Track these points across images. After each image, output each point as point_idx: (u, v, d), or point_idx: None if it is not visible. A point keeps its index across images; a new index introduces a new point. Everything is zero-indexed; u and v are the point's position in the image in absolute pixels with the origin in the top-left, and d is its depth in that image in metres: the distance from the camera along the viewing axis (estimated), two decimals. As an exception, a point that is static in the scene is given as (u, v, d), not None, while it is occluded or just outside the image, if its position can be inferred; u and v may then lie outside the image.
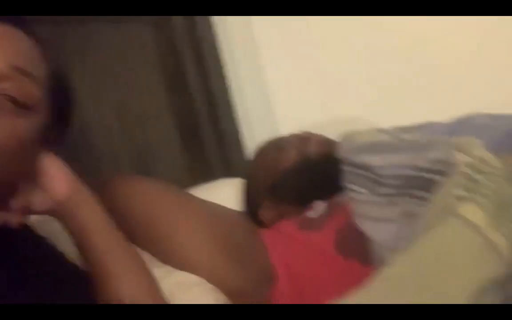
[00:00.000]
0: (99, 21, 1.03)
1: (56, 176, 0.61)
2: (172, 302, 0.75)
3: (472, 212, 0.47)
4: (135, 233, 0.82)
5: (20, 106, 0.54)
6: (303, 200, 0.87)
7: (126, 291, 0.64)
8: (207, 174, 1.19)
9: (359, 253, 0.71)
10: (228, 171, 1.22)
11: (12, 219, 0.57)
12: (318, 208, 0.84)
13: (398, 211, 0.60)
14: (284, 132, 1.25)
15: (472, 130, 0.66)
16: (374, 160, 0.64)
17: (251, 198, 0.98)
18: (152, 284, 0.70)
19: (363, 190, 0.67)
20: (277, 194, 0.93)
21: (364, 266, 0.69)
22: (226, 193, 1.09)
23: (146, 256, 0.79)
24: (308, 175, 0.90)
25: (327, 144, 0.92)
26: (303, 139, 0.95)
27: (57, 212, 0.62)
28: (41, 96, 0.57)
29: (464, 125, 0.70)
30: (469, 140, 0.57)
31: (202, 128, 1.21)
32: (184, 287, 0.78)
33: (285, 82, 1.29)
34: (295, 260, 0.78)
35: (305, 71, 1.28)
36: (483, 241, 0.45)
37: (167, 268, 0.79)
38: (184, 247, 0.80)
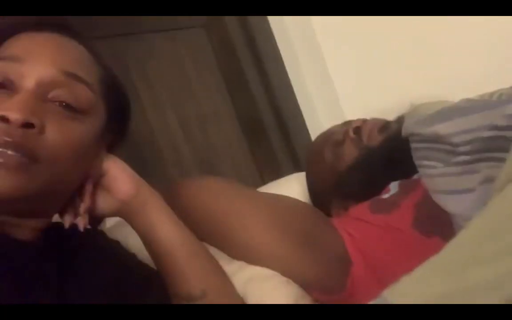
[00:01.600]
0: (155, 33, 1.05)
1: (120, 177, 0.63)
2: (245, 298, 0.74)
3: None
4: (205, 231, 0.82)
5: (74, 111, 0.55)
6: (373, 191, 0.81)
7: (197, 287, 0.63)
8: (275, 172, 1.17)
9: (440, 229, 0.65)
10: (296, 167, 1.20)
11: (79, 222, 0.59)
12: (393, 189, 0.79)
13: (478, 179, 0.54)
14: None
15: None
16: (444, 128, 0.58)
17: (318, 197, 0.95)
18: (223, 278, 0.69)
19: (436, 164, 0.61)
20: (344, 193, 0.88)
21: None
22: (295, 188, 1.07)
23: (217, 253, 0.78)
24: (371, 166, 0.84)
25: (384, 127, 0.86)
26: (357, 128, 0.89)
27: (124, 212, 0.63)
28: (94, 100, 0.58)
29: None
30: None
31: (266, 126, 1.20)
32: (257, 281, 0.76)
33: (347, 70, 1.23)
34: (369, 243, 0.73)
35: (366, 57, 1.21)
36: None
37: (239, 264, 0.78)
38: (256, 241, 0.79)
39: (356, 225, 0.77)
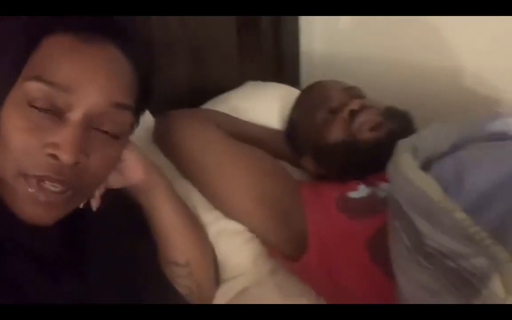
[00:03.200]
0: None
1: (134, 166, 0.66)
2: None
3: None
4: (190, 176, 0.90)
5: (115, 136, 0.56)
6: (341, 175, 0.89)
7: (183, 258, 0.74)
8: (260, 74, 1.19)
9: (387, 265, 0.75)
10: (280, 76, 1.22)
11: (93, 203, 0.64)
12: (361, 192, 0.87)
13: (428, 281, 0.59)
14: (343, 52, 1.19)
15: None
16: (421, 223, 0.60)
17: (294, 141, 1.00)
18: (206, 250, 0.79)
19: (404, 237, 0.66)
20: (318, 159, 0.94)
21: (388, 279, 0.75)
22: (274, 99, 1.11)
23: (199, 200, 0.88)
24: (348, 158, 0.89)
25: (378, 126, 0.88)
26: (353, 112, 0.90)
27: (130, 189, 0.69)
28: (134, 119, 0.59)
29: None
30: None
31: (262, 25, 1.16)
32: (227, 235, 0.88)
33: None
34: (329, 238, 0.83)
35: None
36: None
37: (216, 214, 0.88)
38: (231, 197, 0.88)
39: (323, 213, 0.85)
